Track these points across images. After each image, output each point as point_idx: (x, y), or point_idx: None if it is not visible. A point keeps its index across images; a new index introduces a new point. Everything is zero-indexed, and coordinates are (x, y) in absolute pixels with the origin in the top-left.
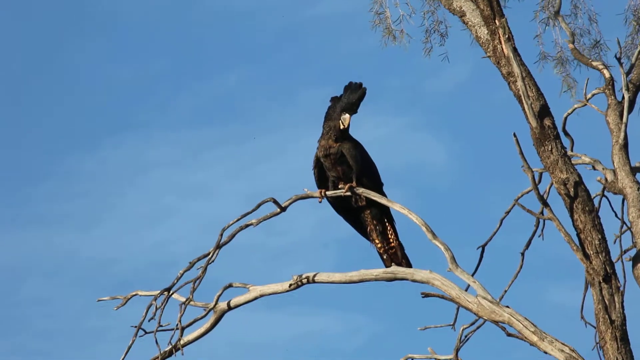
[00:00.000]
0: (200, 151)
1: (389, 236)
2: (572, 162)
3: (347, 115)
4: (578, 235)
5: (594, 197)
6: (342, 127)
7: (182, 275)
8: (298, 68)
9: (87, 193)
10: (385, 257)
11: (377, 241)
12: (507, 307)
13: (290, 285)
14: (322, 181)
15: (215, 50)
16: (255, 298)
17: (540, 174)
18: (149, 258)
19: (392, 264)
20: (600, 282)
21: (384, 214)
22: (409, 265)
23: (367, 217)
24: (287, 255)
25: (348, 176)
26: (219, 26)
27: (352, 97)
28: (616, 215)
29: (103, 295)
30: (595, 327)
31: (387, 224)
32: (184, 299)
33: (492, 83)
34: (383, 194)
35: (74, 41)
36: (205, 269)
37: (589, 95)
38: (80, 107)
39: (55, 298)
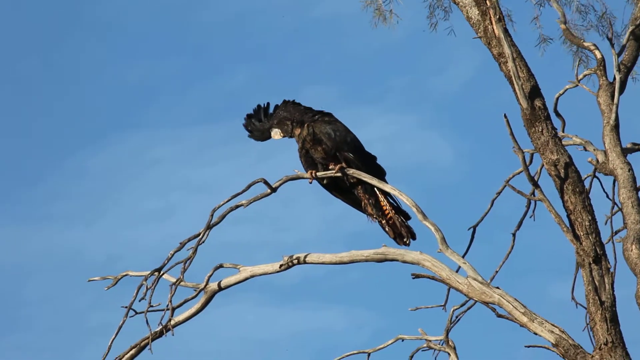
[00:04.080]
0: (206, 148)
1: (383, 206)
2: (563, 143)
3: (272, 133)
4: (568, 216)
5: (585, 178)
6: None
7: (172, 255)
8: (304, 67)
9: (93, 190)
10: (387, 229)
11: (373, 215)
12: (497, 288)
13: (281, 265)
14: (311, 167)
15: (222, 49)
16: (246, 279)
17: (531, 155)
18: (154, 255)
19: (395, 235)
20: (590, 264)
21: (375, 186)
22: (409, 232)
23: (359, 192)
24: (294, 252)
25: (330, 154)
26: (227, 25)
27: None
28: (607, 196)
29: (107, 293)
30: (585, 308)
31: (378, 194)
32: (174, 280)
33: (497, 81)
34: (376, 167)
35: (82, 38)
36: (196, 249)
37: (580, 76)
38: (87, 104)
39: (59, 295)
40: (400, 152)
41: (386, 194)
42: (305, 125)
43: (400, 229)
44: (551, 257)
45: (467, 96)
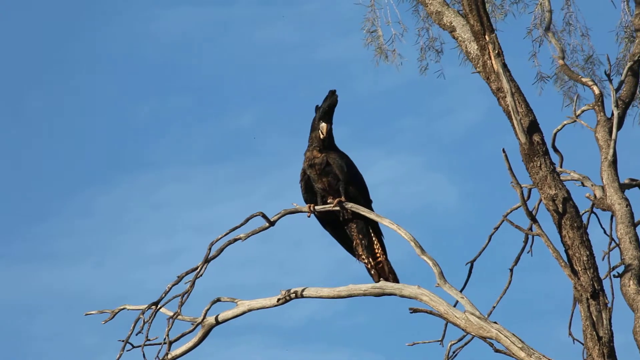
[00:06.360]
0: (214, 188)
1: (375, 250)
2: (561, 178)
3: (323, 124)
4: (566, 251)
5: (583, 214)
6: (321, 136)
7: (170, 289)
8: (312, 107)
9: (99, 229)
10: (373, 272)
11: (363, 256)
12: (495, 322)
13: (279, 299)
14: (309, 194)
15: (229, 89)
16: (244, 312)
17: (529, 190)
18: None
19: (380, 279)
20: (588, 299)
21: (370, 228)
22: (395, 280)
23: (353, 231)
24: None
25: (334, 188)
26: (234, 65)
27: (325, 105)
28: (605, 231)
29: (115, 332)
30: (583, 344)
31: (373, 237)
32: (171, 313)
33: (505, 123)
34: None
35: (91, 78)
36: (194, 283)
37: (578, 112)
38: (95, 144)
39: (67, 334)
40: (405, 194)
41: (380, 236)
42: (323, 154)
43: (388, 275)
44: (549, 296)
45: (474, 138)
